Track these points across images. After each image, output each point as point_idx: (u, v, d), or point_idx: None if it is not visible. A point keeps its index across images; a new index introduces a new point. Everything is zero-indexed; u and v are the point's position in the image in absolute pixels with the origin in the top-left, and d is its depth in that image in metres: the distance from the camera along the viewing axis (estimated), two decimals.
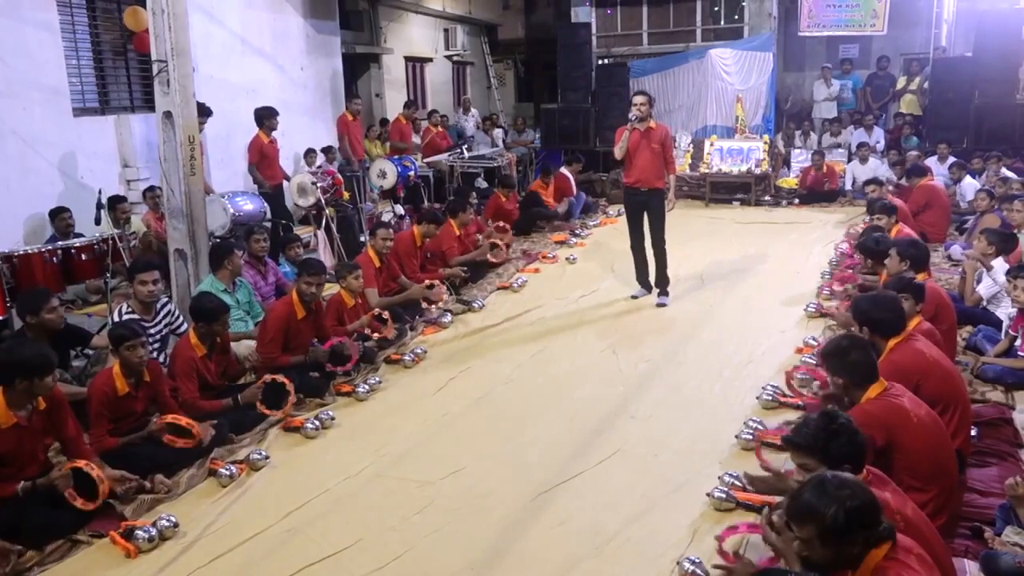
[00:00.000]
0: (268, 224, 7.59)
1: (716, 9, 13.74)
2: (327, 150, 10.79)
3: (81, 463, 3.67)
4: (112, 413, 4.13)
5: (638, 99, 6.60)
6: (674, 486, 3.88)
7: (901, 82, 13.14)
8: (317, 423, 4.61)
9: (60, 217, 6.89)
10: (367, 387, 5.14)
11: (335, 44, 12.14)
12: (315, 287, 5.28)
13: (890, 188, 9.29)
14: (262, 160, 8.64)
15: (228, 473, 4.07)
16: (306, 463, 4.28)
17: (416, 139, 12.50)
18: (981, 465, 3.81)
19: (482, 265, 7.97)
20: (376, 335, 5.88)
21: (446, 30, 16.63)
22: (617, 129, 6.78)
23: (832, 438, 2.60)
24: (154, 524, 3.56)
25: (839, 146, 12.49)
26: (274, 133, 8.72)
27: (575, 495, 3.84)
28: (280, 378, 4.79)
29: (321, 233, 8.03)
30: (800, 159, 12.41)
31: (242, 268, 5.94)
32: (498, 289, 7.48)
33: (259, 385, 4.75)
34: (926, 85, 12.47)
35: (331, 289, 6.19)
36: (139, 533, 3.49)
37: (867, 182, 8.85)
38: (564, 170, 11.18)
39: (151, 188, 7.82)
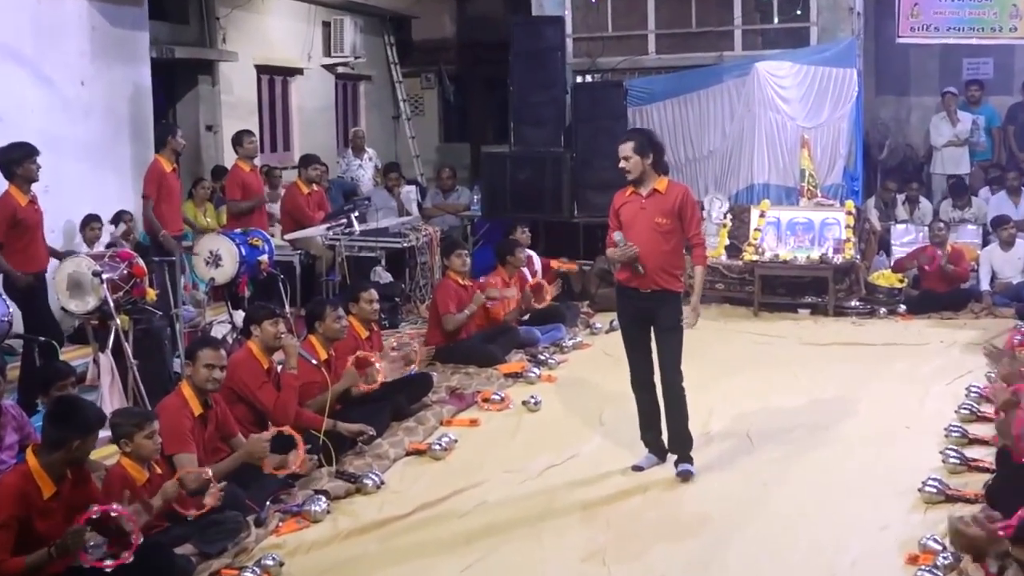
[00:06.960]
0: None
1: None
2: (121, 218, 10.83)
3: None
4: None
5: (623, 148, 6.79)
6: None
7: None
8: None
9: None
10: None
11: (141, 44, 12.34)
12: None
13: None
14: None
15: None
16: None
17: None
18: None
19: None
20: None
21: (326, 24, 17.07)
22: (615, 196, 7.01)
23: None
24: None
25: (967, 220, 12.84)
26: (34, 187, 8.71)
27: None
28: None
29: (105, 358, 7.93)
30: (905, 240, 12.73)
31: None
32: (407, 455, 7.46)
33: None
34: None
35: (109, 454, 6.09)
36: None
37: None
38: (528, 250, 11.30)
39: None
